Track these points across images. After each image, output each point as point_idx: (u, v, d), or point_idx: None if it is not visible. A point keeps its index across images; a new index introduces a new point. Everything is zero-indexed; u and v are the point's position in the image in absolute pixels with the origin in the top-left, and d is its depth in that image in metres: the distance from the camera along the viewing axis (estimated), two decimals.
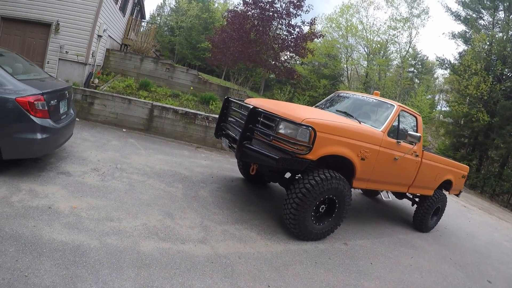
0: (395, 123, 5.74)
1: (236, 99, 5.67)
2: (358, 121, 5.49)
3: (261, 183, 6.73)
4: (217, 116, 7.99)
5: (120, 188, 4.76)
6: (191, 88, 11.82)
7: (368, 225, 6.70)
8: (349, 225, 6.19)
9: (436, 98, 46.62)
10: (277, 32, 23.37)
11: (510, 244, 11.15)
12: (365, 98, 6.56)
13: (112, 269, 3.00)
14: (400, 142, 5.68)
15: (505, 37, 24.85)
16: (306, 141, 4.19)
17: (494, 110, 24.10)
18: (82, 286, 2.70)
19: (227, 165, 7.33)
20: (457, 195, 8.99)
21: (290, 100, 27.96)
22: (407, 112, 6.27)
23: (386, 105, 6.10)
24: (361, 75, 38.33)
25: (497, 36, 25.59)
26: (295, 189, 4.51)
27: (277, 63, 23.35)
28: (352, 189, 5.29)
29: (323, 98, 7.28)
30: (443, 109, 42.18)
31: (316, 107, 6.82)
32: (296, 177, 5.20)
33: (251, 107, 4.51)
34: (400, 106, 5.99)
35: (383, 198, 6.49)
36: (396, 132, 5.72)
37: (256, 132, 4.56)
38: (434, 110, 36.07)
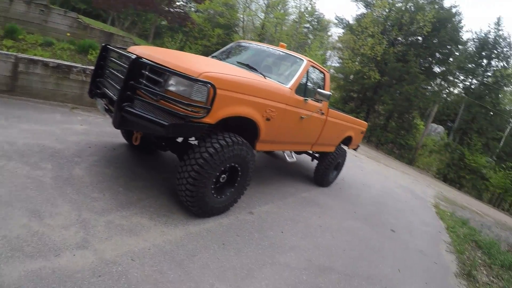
0: (303, 80, 5.07)
1: (116, 47, 4.30)
2: (263, 75, 4.66)
3: (149, 148, 5.47)
4: None
5: None
6: (68, 34, 9.79)
7: (270, 186, 6.17)
8: (251, 188, 5.53)
9: (328, 54, 48.23)
10: None
11: (400, 190, 12.21)
12: (271, 49, 5.74)
13: None
14: (307, 100, 5.06)
15: (404, 7, 26.88)
16: (204, 101, 3.23)
17: (384, 70, 26.44)
18: None
19: (108, 129, 5.97)
20: (355, 149, 9.01)
21: (181, 49, 26.36)
22: (317, 68, 5.66)
23: (294, 59, 5.38)
24: (257, 26, 37.65)
25: (397, 5, 27.61)
26: (190, 160, 3.58)
27: (170, 8, 21.42)
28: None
29: (216, 48, 6.36)
30: (333, 64, 44.23)
31: (212, 57, 5.77)
32: (190, 141, 4.31)
33: (134, 57, 3.33)
34: (309, 61, 5.34)
35: (288, 159, 5.83)
36: (303, 89, 5.08)
37: (140, 91, 3.43)
38: (325, 66, 37.29)
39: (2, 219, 2.79)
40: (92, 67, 6.15)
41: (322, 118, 5.84)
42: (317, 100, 5.24)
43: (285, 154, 5.74)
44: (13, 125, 4.82)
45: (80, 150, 4.68)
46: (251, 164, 4.15)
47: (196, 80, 3.16)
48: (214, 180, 3.72)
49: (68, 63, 6.48)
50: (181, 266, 3.02)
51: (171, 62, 3.49)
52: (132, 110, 3.14)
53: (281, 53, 5.59)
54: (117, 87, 3.62)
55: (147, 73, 3.43)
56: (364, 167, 13.82)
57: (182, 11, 23.00)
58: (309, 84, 5.30)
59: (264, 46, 5.88)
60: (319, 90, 5.03)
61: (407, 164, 26.34)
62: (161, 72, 3.36)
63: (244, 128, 4.24)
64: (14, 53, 5.97)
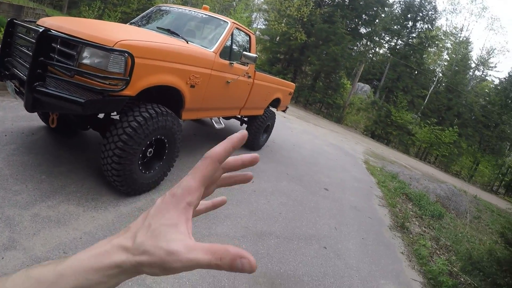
0: (228, 43, 5.01)
1: (23, 22, 3.81)
2: (186, 40, 4.52)
3: (70, 128, 5.04)
4: None
5: None
6: None
7: (200, 155, 5.91)
8: (181, 160, 5.43)
9: (254, 16, 48.13)
10: None
11: (330, 149, 12.74)
12: (193, 12, 5.56)
13: None
14: (233, 63, 5.03)
15: None
16: (122, 72, 3.07)
17: (311, 31, 26.93)
18: None
19: (24, 112, 5.33)
20: (284, 111, 9.19)
21: (99, 18, 24.87)
22: (242, 30, 5.61)
23: (218, 22, 5.29)
24: None
25: None
26: (113, 137, 3.41)
27: None
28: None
29: (136, 14, 6.02)
30: (260, 26, 44.28)
31: (131, 24, 5.47)
32: (112, 116, 4.09)
33: (42, 29, 2.98)
34: (234, 23, 5.27)
35: (216, 126, 5.76)
36: (229, 53, 5.03)
37: (52, 67, 3.15)
38: (251, 28, 37.30)
39: None
40: None
41: (249, 82, 5.87)
42: (243, 63, 5.23)
43: (212, 120, 5.68)
44: None
45: None
46: (178, 135, 4.07)
47: (111, 50, 2.96)
48: (140, 155, 3.61)
49: None
50: None
51: (84, 32, 3.22)
52: (44, 89, 2.87)
53: (204, 16, 5.44)
54: (27, 65, 3.25)
55: (58, 46, 3.15)
56: (294, 128, 14.16)
57: None
58: (234, 47, 5.25)
59: (186, 9, 5.68)
60: (245, 53, 5.00)
61: (336, 122, 27.59)
62: (74, 44, 3.10)
63: (168, 97, 4.14)
64: None
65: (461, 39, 41.71)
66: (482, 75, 45.52)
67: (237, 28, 5.33)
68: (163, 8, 5.86)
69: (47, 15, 10.45)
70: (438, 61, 43.82)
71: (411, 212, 8.15)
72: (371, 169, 11.94)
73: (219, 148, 0.46)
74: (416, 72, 34.49)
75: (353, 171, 10.40)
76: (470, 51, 43.09)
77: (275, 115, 7.99)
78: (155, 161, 4.02)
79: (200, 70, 4.27)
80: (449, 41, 42.82)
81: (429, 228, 7.55)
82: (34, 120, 5.20)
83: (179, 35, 4.64)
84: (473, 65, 43.39)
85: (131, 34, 3.74)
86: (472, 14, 56.63)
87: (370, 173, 11.12)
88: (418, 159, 28.31)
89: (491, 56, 44.15)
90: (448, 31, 42.50)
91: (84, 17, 22.40)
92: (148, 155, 3.83)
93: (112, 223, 3.29)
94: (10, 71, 3.52)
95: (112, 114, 4.05)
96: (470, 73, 43.01)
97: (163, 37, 4.29)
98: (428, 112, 33.53)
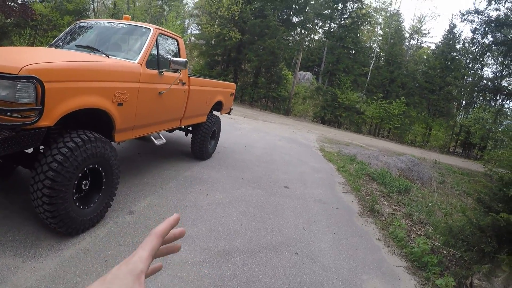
0: (154, 51, 4.75)
1: None
2: (106, 55, 4.20)
3: (2, 170, 4.53)
4: None
5: None
6: None
7: (148, 175, 5.81)
8: (126, 184, 5.12)
9: (186, 22, 48.35)
10: None
11: (283, 143, 12.72)
12: (113, 24, 5.21)
13: None
14: (162, 72, 4.77)
15: None
16: (33, 101, 2.74)
17: (244, 29, 27.58)
18: None
19: None
20: (229, 113, 9.06)
21: (32, 44, 23.98)
22: (167, 35, 5.35)
23: (140, 30, 5.00)
24: (109, 7, 36.10)
25: None
26: (38, 175, 3.07)
27: (11, 2, 18.94)
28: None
29: None
30: (193, 32, 44.31)
31: (50, 46, 5.06)
32: (41, 150, 3.66)
33: None
34: (157, 28, 5.01)
35: (156, 142, 5.45)
36: (156, 61, 4.77)
37: None
38: (185, 34, 37.25)
39: None
40: None
41: (184, 89, 5.64)
42: (174, 70, 4.99)
43: (152, 137, 5.39)
44: None
45: None
46: (113, 161, 3.76)
47: (17, 78, 2.65)
48: (74, 190, 3.28)
49: None
50: None
51: None
52: None
53: (125, 25, 5.14)
54: None
55: None
56: (243, 128, 14.12)
57: (25, 2, 20.54)
58: (162, 54, 4.99)
59: (105, 22, 5.31)
60: (173, 58, 4.76)
61: (284, 115, 27.99)
62: None
63: (96, 120, 3.83)
64: None
65: (391, 12, 43.69)
66: (418, 43, 47.85)
67: (161, 34, 5.06)
68: (81, 24, 5.46)
69: None
70: (373, 37, 45.72)
71: (377, 193, 8.19)
72: (328, 156, 11.97)
73: (162, 226, 0.63)
74: (354, 52, 35.53)
75: (311, 161, 10.39)
76: (402, 22, 44.99)
77: (219, 119, 7.83)
78: (94, 193, 3.67)
79: (126, 85, 3.97)
80: (380, 16, 44.67)
81: (399, 205, 7.59)
82: None
83: (98, 51, 4.34)
84: (407, 35, 45.46)
85: (40, 56, 3.37)
86: None
87: (328, 160, 11.18)
88: (372, 136, 29.22)
89: (423, 23, 46.67)
90: (378, 6, 44.29)
91: (16, 45, 21.43)
92: (84, 188, 3.49)
93: (56, 271, 2.94)
94: None
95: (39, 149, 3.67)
96: (406, 43, 45.03)
97: (81, 55, 4.00)
98: (372, 88, 34.59)
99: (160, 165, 6.49)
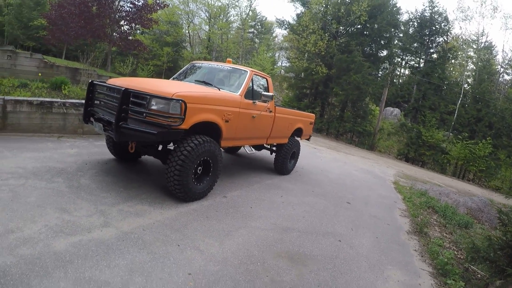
0: (250, 86, 6.72)
1: (101, 82, 5.86)
2: (218, 88, 6.33)
3: (133, 160, 7.03)
4: (73, 101, 8.15)
5: (3, 197, 4.47)
6: (39, 74, 10.98)
7: (238, 178, 7.79)
8: (223, 180, 7.16)
9: (277, 55, 50.69)
10: (121, 4, 22.59)
11: (359, 173, 13.19)
12: (220, 66, 7.41)
13: (40, 277, 3.04)
14: (255, 102, 6.72)
15: (339, 0, 28.75)
16: (179, 113, 4.78)
17: (331, 63, 28.21)
18: None
19: (95, 149, 7.45)
20: (308, 139, 10.69)
21: (134, 71, 27.74)
22: (259, 76, 7.35)
23: (240, 71, 7.05)
24: (203, 39, 39.89)
25: None
26: (174, 158, 5.10)
27: (121, 36, 22.69)
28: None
29: (167, 66, 7.83)
30: (283, 64, 46.32)
31: (173, 79, 7.40)
32: (169, 147, 5.79)
33: (123, 89, 4.81)
34: (252, 71, 6.99)
35: (247, 151, 7.74)
36: (251, 94, 6.72)
37: (129, 112, 4.91)
38: (276, 67, 39.17)
39: (40, 215, 4.13)
40: (71, 100, 7.80)
41: (270, 115, 7.51)
42: (264, 101, 6.89)
43: (245, 148, 7.43)
44: (17, 155, 6.18)
45: (80, 167, 6.12)
46: (219, 157, 5.74)
47: (171, 99, 4.73)
48: (193, 171, 5.27)
49: (49, 99, 7.91)
50: (179, 231, 4.52)
51: (150, 88, 5.03)
52: (128, 126, 4.70)
53: (229, 68, 7.25)
54: (110, 111, 5.26)
55: (132, 99, 4.93)
56: (324, 157, 15.19)
57: (130, 36, 24.13)
58: (255, 88, 6.97)
59: (214, 64, 7.59)
60: (263, 93, 6.76)
61: (368, 150, 27.90)
62: (143, 96, 4.87)
63: (210, 130, 5.80)
64: (2, 96, 7.32)
65: (482, 45, 40.34)
66: None
67: (255, 74, 7.09)
68: (196, 64, 7.82)
69: (98, 74, 12.71)
70: (466, 73, 41.51)
71: (434, 222, 8.42)
72: (399, 188, 12.05)
73: None
74: (441, 88, 34.82)
75: (380, 190, 10.91)
76: (495, 55, 42.40)
77: (299, 143, 9.50)
78: (204, 177, 5.70)
79: (231, 109, 6.00)
80: (471, 50, 41.49)
81: (451, 234, 7.75)
82: (104, 154, 7.18)
83: (211, 85, 6.49)
84: (501, 69, 42.20)
85: (180, 87, 5.48)
86: (483, 17, 55.38)
87: (397, 191, 11.37)
88: (456, 178, 27.33)
89: None
90: (469, 39, 40.84)
91: (120, 71, 25.19)
92: (199, 172, 5.52)
93: (175, 216, 4.93)
94: (96, 116, 5.43)
95: (169, 146, 5.83)
96: (500, 79, 41.64)
97: (201, 87, 6.16)
98: (459, 127, 33.16)
99: (248, 173, 8.45)
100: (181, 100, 4.76)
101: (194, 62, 7.99)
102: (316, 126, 28.71)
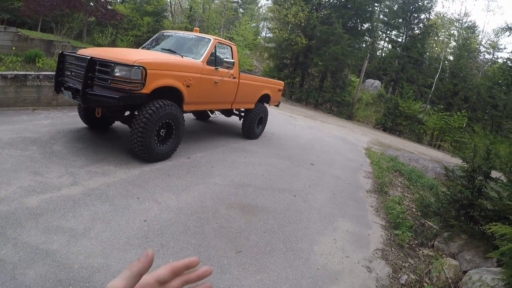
0: (213, 53, 7.06)
1: (70, 53, 6.13)
2: (181, 55, 6.68)
3: (103, 127, 7.33)
4: (47, 73, 8.39)
5: None
6: (14, 48, 11.01)
7: (205, 141, 8.20)
8: (189, 143, 7.57)
9: (260, 26, 50.25)
10: None
11: (331, 139, 13.48)
12: (186, 35, 7.73)
13: (14, 227, 3.42)
14: (218, 68, 7.07)
15: None
16: (139, 79, 5.15)
17: (312, 35, 28.45)
18: None
19: (68, 119, 7.73)
20: (277, 105, 11.09)
21: (113, 42, 27.59)
22: (223, 43, 7.67)
23: (204, 40, 7.38)
24: (185, 9, 39.37)
25: None
26: (137, 121, 5.48)
27: (98, 6, 22.50)
28: (186, 114, 6.63)
29: (147, 36, 8.14)
30: (267, 35, 46.20)
31: (142, 48, 7.70)
32: (135, 113, 6.13)
33: (89, 57, 5.14)
34: (216, 39, 7.33)
35: (211, 115, 8.20)
36: (214, 61, 7.06)
37: (95, 79, 5.26)
38: (258, 37, 39.02)
39: (15, 179, 4.46)
40: (45, 73, 8.06)
41: (234, 81, 7.88)
42: (227, 67, 7.26)
43: (208, 111, 8.02)
44: None
45: (53, 136, 6.41)
46: (181, 120, 6.14)
47: (133, 66, 5.09)
48: (155, 133, 5.68)
49: (23, 73, 8.03)
50: (141, 186, 4.96)
51: (114, 56, 5.35)
52: (94, 92, 5.06)
53: (194, 36, 7.58)
54: (78, 80, 5.58)
55: (98, 67, 5.27)
56: (298, 124, 15.42)
57: (109, 5, 23.84)
58: (218, 56, 7.33)
59: (181, 33, 7.88)
60: (225, 59, 7.10)
61: (347, 119, 28.52)
62: (108, 64, 5.20)
63: (173, 95, 6.17)
64: None
65: (465, 24, 42.01)
66: (494, 58, 45.50)
67: (219, 42, 7.41)
68: (165, 33, 8.13)
69: (72, 46, 12.70)
70: (448, 50, 43.57)
71: (398, 184, 8.64)
72: (369, 153, 12.22)
73: (136, 262, 0.58)
74: (420, 62, 35.47)
75: (348, 154, 11.18)
76: (477, 35, 43.71)
77: (266, 109, 9.92)
78: (167, 139, 6.10)
79: (192, 74, 6.35)
80: (454, 28, 43.21)
81: (413, 194, 7.96)
82: (77, 123, 7.47)
83: (176, 52, 6.82)
84: (482, 49, 43.75)
85: (143, 55, 5.81)
86: None
87: (367, 156, 11.64)
88: (431, 147, 28.25)
89: (499, 37, 44.11)
90: (453, 17, 42.85)
91: (98, 43, 25.07)
92: (162, 134, 5.93)
93: (138, 175, 5.34)
94: (66, 85, 5.76)
95: (134, 112, 6.16)
96: (481, 57, 43.34)
97: (165, 55, 6.49)
98: (435, 99, 34.16)
99: (215, 137, 8.86)
100: (142, 66, 5.11)
101: (163, 31, 8.28)
102: (295, 96, 29.44)
